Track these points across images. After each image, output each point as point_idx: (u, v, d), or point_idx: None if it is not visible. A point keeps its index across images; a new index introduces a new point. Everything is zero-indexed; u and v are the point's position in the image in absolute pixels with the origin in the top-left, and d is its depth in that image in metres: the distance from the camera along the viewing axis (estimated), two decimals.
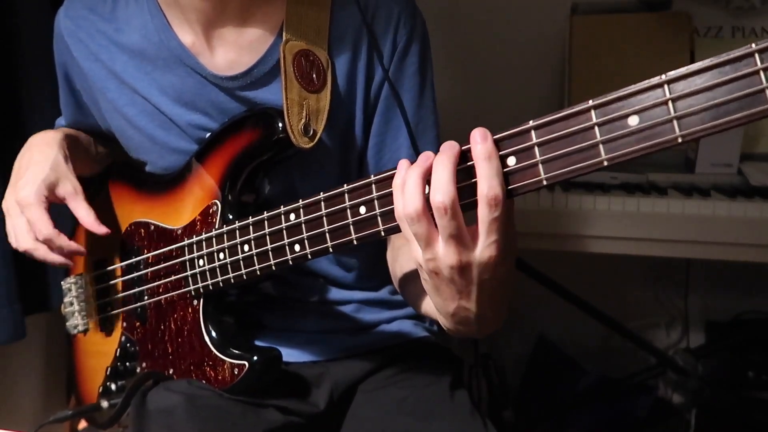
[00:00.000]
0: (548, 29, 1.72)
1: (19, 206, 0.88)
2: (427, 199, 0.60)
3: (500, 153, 0.58)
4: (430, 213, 0.60)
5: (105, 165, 1.07)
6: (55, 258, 0.89)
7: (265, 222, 0.78)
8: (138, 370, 0.97)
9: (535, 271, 1.65)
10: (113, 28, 0.92)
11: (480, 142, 0.58)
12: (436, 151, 0.91)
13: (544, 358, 1.91)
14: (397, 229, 0.65)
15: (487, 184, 0.57)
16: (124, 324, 1.00)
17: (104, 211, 0.98)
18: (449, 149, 0.61)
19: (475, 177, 0.59)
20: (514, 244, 0.62)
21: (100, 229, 0.90)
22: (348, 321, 0.97)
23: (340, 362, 0.96)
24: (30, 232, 0.88)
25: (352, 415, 0.93)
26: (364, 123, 0.90)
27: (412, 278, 0.83)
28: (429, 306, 0.74)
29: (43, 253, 0.89)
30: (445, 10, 1.72)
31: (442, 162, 0.60)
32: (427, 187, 0.61)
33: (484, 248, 0.59)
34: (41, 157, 0.91)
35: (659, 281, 1.90)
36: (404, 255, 0.87)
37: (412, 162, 0.63)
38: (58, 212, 0.92)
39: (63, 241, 0.88)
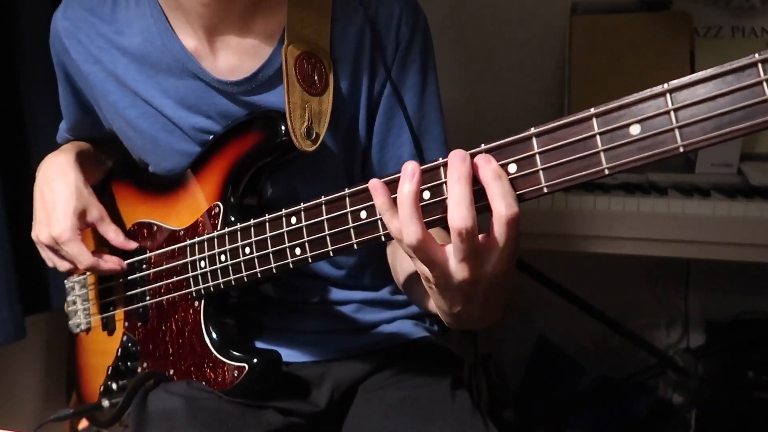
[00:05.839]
0: (548, 29, 1.72)
1: (58, 243, 0.92)
2: (427, 222, 0.60)
3: (500, 162, 0.58)
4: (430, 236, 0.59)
5: (107, 170, 1.07)
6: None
7: (266, 225, 0.77)
8: (139, 370, 0.97)
9: (536, 271, 1.65)
10: (113, 31, 0.91)
11: (486, 163, 0.57)
12: (441, 149, 0.91)
13: (544, 358, 1.92)
14: None
15: (504, 203, 0.56)
16: (126, 324, 1.00)
17: (108, 212, 0.98)
18: (460, 163, 0.57)
19: (479, 185, 0.58)
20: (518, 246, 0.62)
21: (130, 245, 0.96)
22: (348, 321, 0.97)
23: (341, 362, 0.96)
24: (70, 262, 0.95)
25: (352, 416, 0.93)
26: (368, 123, 0.90)
27: (415, 280, 0.82)
28: (434, 305, 0.75)
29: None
30: (446, 11, 1.72)
31: (459, 183, 0.57)
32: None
33: (496, 262, 0.59)
34: (62, 187, 0.94)
35: (659, 281, 1.90)
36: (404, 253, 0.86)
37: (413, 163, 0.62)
38: None
39: (104, 265, 0.94)
